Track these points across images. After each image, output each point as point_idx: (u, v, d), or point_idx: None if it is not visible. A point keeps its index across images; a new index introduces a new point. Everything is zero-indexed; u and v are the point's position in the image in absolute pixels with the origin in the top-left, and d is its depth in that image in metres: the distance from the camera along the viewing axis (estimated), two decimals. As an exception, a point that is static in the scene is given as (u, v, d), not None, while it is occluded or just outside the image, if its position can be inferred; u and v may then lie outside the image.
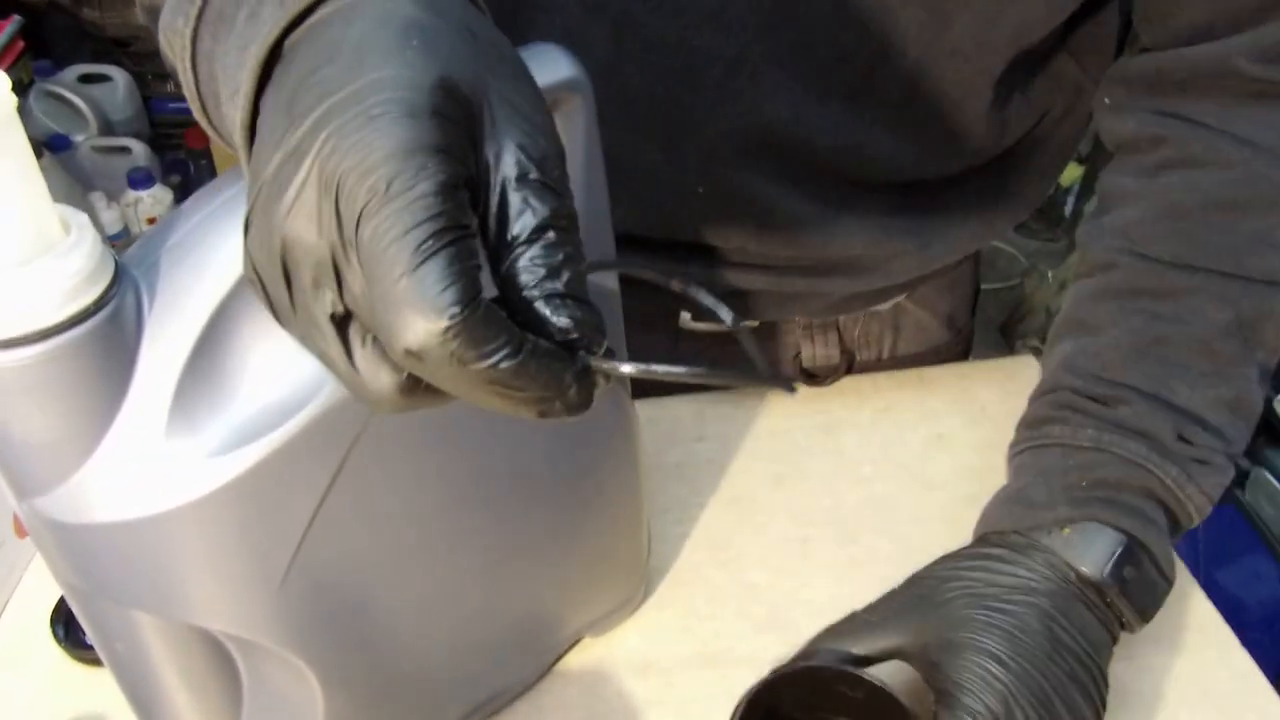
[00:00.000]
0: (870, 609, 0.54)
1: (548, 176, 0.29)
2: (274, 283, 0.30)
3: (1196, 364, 0.55)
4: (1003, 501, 0.57)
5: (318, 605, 0.43)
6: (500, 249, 0.29)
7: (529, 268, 0.28)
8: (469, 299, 0.26)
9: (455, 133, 0.27)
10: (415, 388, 0.29)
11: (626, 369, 0.31)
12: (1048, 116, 0.65)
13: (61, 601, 0.61)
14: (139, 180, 2.01)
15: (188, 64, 0.35)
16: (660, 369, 0.31)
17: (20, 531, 0.64)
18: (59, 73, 2.19)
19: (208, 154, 2.01)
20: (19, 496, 0.37)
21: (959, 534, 0.66)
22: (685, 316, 0.73)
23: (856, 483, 0.69)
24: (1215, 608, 0.62)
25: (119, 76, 2.20)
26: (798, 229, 0.62)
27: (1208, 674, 0.58)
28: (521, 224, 0.28)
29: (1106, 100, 0.60)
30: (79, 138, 2.11)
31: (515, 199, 0.28)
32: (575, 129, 0.41)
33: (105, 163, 2.09)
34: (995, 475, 0.70)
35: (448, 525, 0.46)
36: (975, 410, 0.74)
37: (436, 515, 0.45)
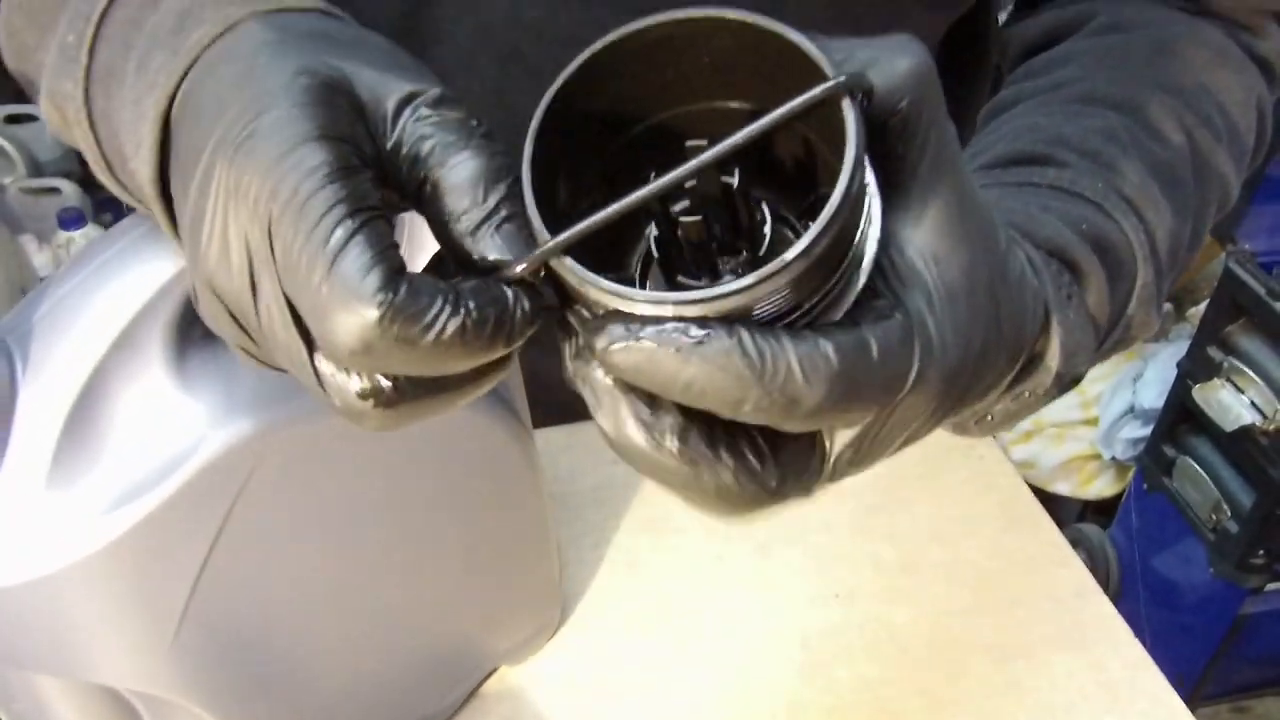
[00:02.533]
0: None
1: (446, 111, 0.29)
2: (234, 333, 0.29)
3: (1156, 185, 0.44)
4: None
5: (216, 653, 0.44)
6: (423, 199, 0.28)
7: (446, 204, 0.28)
8: (391, 279, 0.25)
9: (326, 113, 0.27)
10: (395, 397, 0.28)
11: (563, 237, 0.25)
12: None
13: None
14: (70, 221, 1.99)
15: (86, 127, 0.34)
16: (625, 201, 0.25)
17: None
18: (-17, 114, 2.16)
19: (139, 191, 1.99)
20: (-98, 567, 0.38)
21: (868, 542, 0.68)
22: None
23: (769, 498, 0.71)
24: (1111, 604, 0.65)
25: (46, 116, 2.18)
26: None
27: (1103, 667, 0.61)
28: (432, 157, 0.28)
29: (1013, 25, 0.57)
30: (6, 179, 2.09)
31: (418, 136, 0.28)
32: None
33: (35, 204, 2.07)
34: (902, 484, 0.72)
35: (343, 566, 0.47)
36: (884, 420, 0.76)
37: (331, 558, 0.46)
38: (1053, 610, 0.64)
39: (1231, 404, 1.36)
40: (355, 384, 0.27)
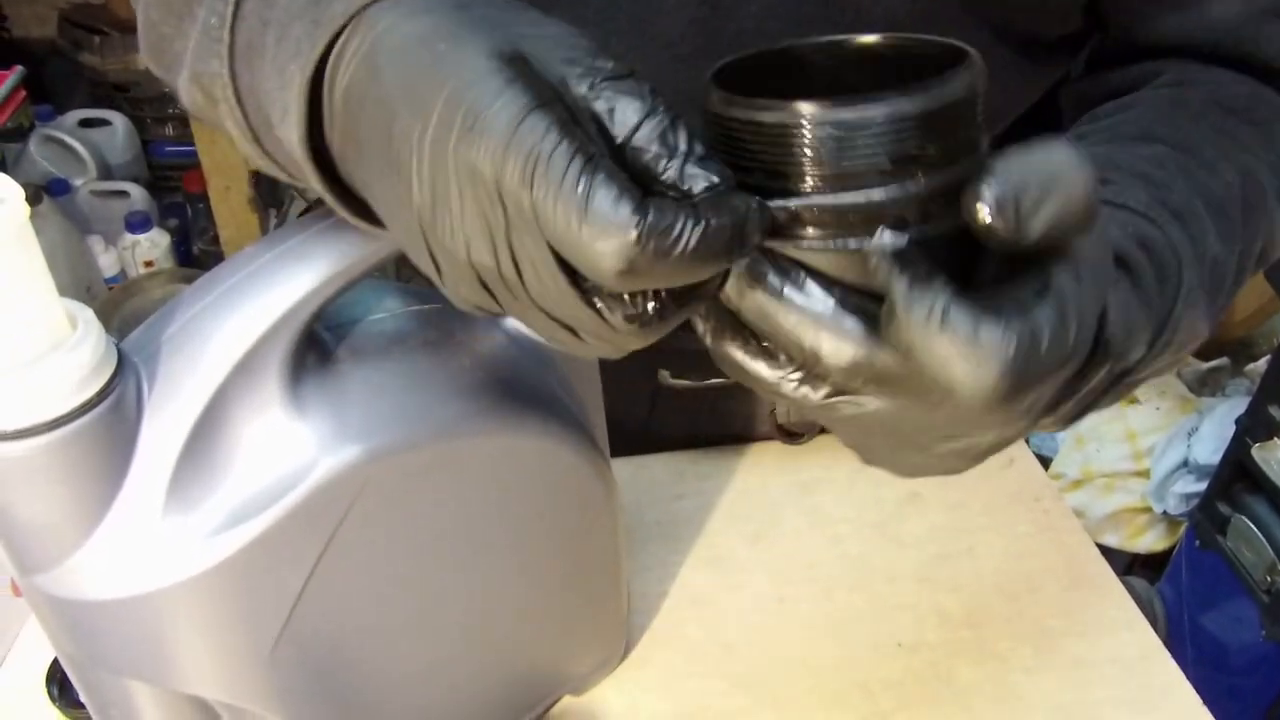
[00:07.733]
0: None
1: (610, 70, 0.30)
2: (479, 298, 0.32)
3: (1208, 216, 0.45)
4: None
5: (306, 671, 0.45)
6: (616, 155, 0.30)
7: (647, 157, 0.30)
8: (640, 206, 0.28)
9: (536, 83, 0.29)
10: (654, 317, 0.31)
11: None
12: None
13: (57, 661, 0.62)
14: (137, 224, 2.04)
15: (233, 102, 0.36)
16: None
17: (16, 591, 0.65)
18: (59, 117, 2.22)
19: (205, 198, 2.03)
20: (20, 574, 0.39)
21: (932, 591, 0.68)
22: (664, 374, 0.75)
23: (832, 541, 0.71)
24: (1179, 669, 0.64)
25: (118, 121, 2.23)
26: None
27: (1171, 733, 0.60)
28: (619, 123, 0.30)
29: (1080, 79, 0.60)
30: (78, 182, 2.14)
31: (601, 106, 0.30)
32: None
33: (104, 206, 2.12)
34: (966, 534, 0.72)
35: (431, 592, 0.48)
36: (949, 469, 0.76)
37: (420, 582, 0.47)
38: (1118, 674, 0.64)
39: (1292, 465, 1.34)
40: (623, 310, 0.31)
